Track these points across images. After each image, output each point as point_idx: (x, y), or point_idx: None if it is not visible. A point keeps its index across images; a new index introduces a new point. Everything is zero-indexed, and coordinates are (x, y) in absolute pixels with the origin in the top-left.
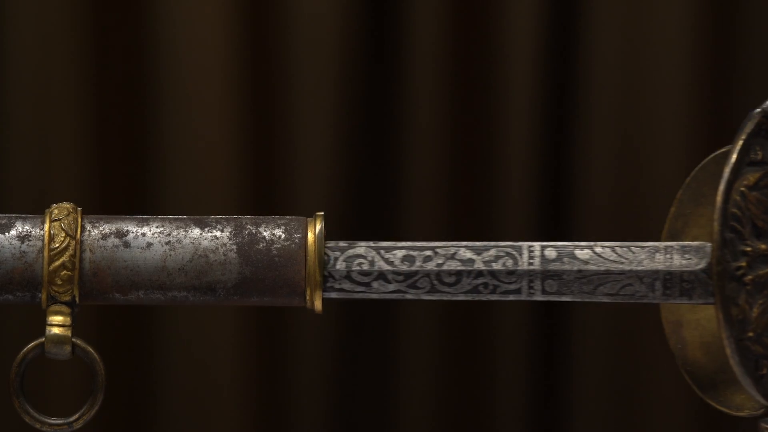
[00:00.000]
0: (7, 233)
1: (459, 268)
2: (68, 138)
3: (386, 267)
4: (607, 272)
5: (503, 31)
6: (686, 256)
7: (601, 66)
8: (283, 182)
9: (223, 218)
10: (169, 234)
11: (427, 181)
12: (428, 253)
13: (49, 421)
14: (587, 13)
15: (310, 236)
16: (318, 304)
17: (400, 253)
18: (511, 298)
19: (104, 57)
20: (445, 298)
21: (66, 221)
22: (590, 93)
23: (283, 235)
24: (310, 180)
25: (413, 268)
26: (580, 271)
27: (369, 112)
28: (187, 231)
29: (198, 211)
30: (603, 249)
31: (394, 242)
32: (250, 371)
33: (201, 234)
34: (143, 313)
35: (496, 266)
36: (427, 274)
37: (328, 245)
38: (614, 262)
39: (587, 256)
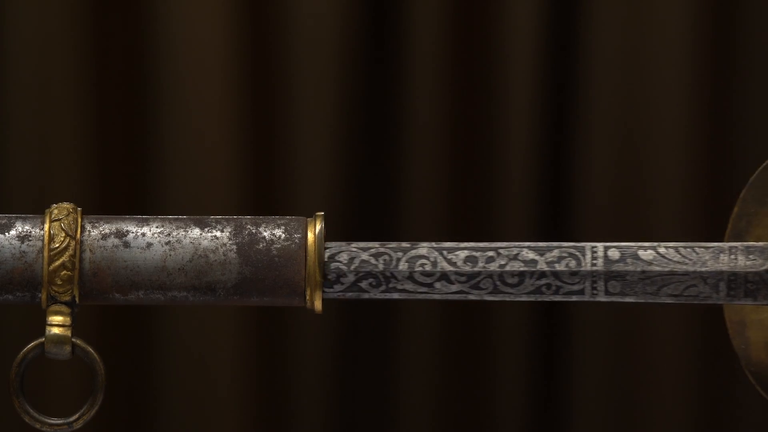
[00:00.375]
0: (7, 233)
1: (522, 269)
2: (68, 138)
3: (449, 268)
4: (671, 273)
5: (503, 31)
6: (751, 256)
7: (601, 66)
8: (283, 182)
9: (223, 218)
10: (169, 234)
11: (427, 181)
12: (491, 253)
13: (49, 421)
14: (587, 13)
15: (310, 236)
16: (318, 305)
17: (462, 254)
18: (574, 299)
19: (104, 57)
20: (507, 299)
21: (66, 221)
22: (590, 93)
23: (283, 235)
24: (310, 180)
25: (476, 269)
26: (643, 272)
27: (369, 112)
28: (187, 231)
29: (198, 211)
30: (666, 250)
31: (456, 243)
32: (250, 371)
33: (201, 234)
34: (143, 313)
35: (559, 267)
36: (490, 275)
37: (390, 245)
38: (678, 263)
39: (651, 257)
